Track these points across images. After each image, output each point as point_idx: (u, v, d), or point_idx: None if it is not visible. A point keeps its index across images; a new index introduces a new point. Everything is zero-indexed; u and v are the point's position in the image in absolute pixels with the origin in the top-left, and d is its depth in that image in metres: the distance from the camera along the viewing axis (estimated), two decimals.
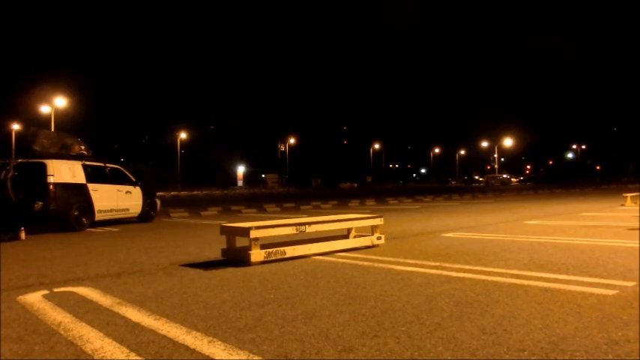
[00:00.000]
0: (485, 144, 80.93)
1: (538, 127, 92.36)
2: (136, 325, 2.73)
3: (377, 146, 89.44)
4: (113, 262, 5.26)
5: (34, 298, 3.53)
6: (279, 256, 4.96)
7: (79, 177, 9.69)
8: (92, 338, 2.52)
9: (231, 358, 2.19)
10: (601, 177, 73.17)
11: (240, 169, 72.96)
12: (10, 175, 8.63)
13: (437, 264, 4.50)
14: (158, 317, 2.89)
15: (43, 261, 5.50)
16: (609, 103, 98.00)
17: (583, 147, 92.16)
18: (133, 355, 2.25)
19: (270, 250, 4.92)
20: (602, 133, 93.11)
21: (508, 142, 76.72)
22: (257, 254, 4.80)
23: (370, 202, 18.68)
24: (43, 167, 9.06)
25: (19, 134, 10.11)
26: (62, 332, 2.65)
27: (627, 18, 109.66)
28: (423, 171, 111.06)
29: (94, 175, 10.14)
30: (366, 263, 4.70)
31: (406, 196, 22.41)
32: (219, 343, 2.39)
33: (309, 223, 5.46)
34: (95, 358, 2.24)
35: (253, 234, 4.80)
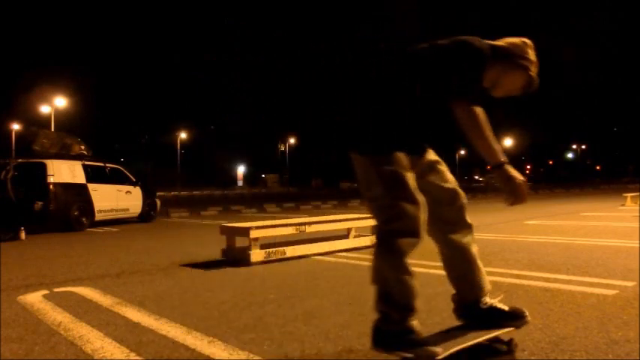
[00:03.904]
0: None
1: (538, 127, 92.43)
2: (136, 325, 2.73)
3: None
4: (113, 262, 5.25)
5: (34, 298, 3.53)
6: (279, 256, 4.96)
7: (79, 177, 9.70)
8: (92, 338, 2.52)
9: (231, 358, 2.19)
10: (601, 177, 73.21)
11: (240, 169, 73.00)
12: (10, 175, 8.64)
13: (437, 264, 4.48)
14: (158, 317, 2.89)
15: (43, 261, 5.50)
16: (609, 103, 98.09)
17: (583, 147, 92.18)
18: (133, 355, 2.25)
19: (270, 250, 4.92)
20: (602, 133, 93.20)
21: (508, 142, 76.68)
22: (257, 254, 4.80)
23: None
24: (43, 167, 9.07)
25: (19, 134, 10.11)
26: (62, 332, 2.65)
27: (627, 18, 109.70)
28: None
29: (94, 175, 10.15)
30: (366, 263, 4.69)
31: None
32: (219, 343, 2.39)
33: (309, 223, 5.47)
34: (95, 358, 2.24)
35: (253, 234, 4.80)
